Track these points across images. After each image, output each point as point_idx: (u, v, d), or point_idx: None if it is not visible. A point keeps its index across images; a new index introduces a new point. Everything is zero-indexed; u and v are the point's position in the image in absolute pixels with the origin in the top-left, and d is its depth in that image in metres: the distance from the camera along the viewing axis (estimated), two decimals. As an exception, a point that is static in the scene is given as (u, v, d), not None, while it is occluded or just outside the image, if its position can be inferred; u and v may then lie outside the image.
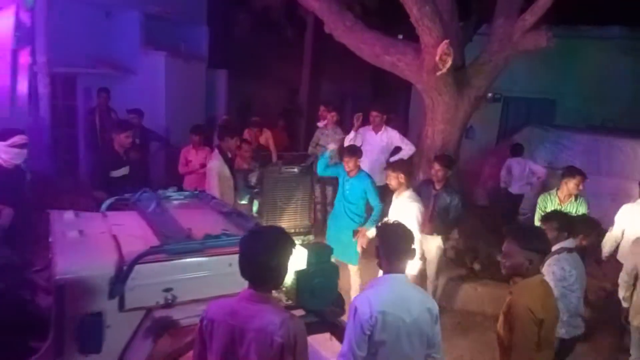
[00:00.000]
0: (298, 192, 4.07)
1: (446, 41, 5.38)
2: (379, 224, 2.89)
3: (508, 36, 5.96)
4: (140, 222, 3.18)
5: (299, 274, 2.74)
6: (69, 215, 3.21)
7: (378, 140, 6.57)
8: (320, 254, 2.84)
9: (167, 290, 2.60)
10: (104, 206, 3.58)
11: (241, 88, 11.22)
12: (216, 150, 5.38)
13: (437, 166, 5.37)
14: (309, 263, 2.74)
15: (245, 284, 2.20)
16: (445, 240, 5.63)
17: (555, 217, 4.04)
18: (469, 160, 8.95)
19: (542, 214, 4.97)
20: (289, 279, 2.91)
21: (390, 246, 2.66)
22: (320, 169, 5.48)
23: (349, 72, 10.90)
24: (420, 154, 6.63)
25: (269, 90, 11.90)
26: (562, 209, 5.24)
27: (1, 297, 2.74)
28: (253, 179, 4.04)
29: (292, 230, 3.97)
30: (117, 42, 8.55)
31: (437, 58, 5.42)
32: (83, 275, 2.43)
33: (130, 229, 3.02)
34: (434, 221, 5.35)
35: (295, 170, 4.13)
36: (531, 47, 5.86)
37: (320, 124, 7.42)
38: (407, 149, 6.48)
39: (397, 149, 6.74)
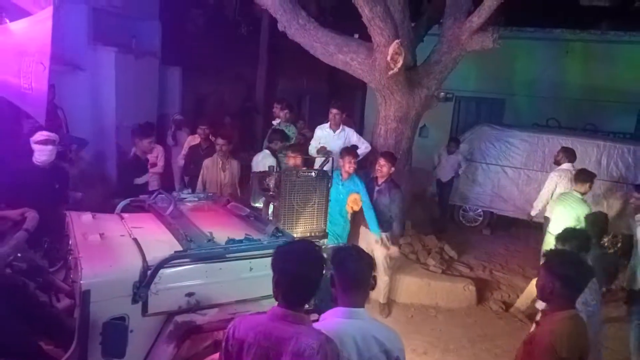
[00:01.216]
0: (314, 196, 4.04)
1: (397, 41, 5.47)
2: (335, 248, 2.61)
3: (456, 37, 6.12)
4: (159, 225, 3.18)
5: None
6: (87, 216, 3.19)
7: (336, 139, 6.59)
8: None
9: (190, 294, 2.60)
10: (119, 207, 3.56)
11: (195, 85, 11.03)
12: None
13: (382, 161, 5.58)
14: (329, 267, 2.70)
15: (265, 287, 2.17)
16: (392, 235, 5.74)
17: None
18: (423, 158, 9.16)
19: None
20: None
21: (349, 275, 2.26)
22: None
23: (306, 70, 10.90)
24: (374, 153, 6.73)
25: (224, 88, 11.75)
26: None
27: (29, 298, 2.67)
28: (270, 183, 4.00)
29: (308, 234, 3.98)
30: (64, 36, 8.26)
31: (388, 58, 5.50)
32: (107, 280, 2.44)
33: (150, 232, 3.02)
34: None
35: (313, 174, 4.12)
36: (478, 48, 6.04)
37: (274, 122, 7.40)
38: (364, 148, 6.57)
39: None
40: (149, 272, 2.48)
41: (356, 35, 6.92)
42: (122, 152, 7.86)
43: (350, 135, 6.65)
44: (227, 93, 11.89)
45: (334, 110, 6.52)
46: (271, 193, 4.02)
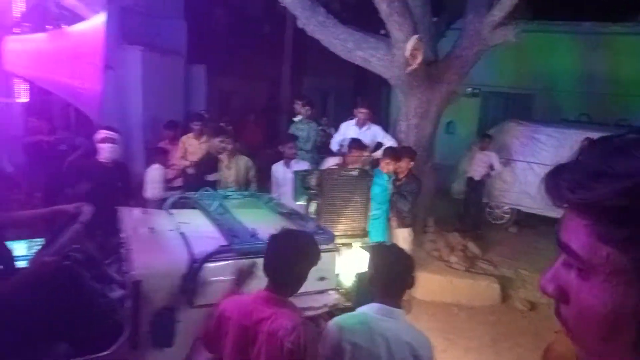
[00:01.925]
0: (356, 194, 4.09)
1: (416, 36, 5.42)
2: (375, 246, 2.68)
3: (478, 32, 6.02)
4: (205, 221, 3.29)
5: (362, 277, 2.73)
6: (137, 212, 3.36)
7: (362, 137, 6.48)
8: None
9: None
10: (167, 204, 3.70)
11: (220, 83, 11.17)
12: None
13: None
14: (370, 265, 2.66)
15: (305, 283, 2.22)
16: (413, 232, 5.70)
17: None
18: (449, 154, 9.05)
19: None
20: (348, 281, 2.93)
21: (386, 273, 2.26)
22: None
23: (331, 66, 10.89)
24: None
25: (248, 86, 11.87)
26: None
27: (81, 288, 2.80)
28: (312, 181, 4.08)
29: (350, 232, 4.01)
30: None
31: (407, 53, 5.46)
32: (157, 272, 2.53)
33: (197, 228, 3.13)
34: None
35: (354, 172, 4.18)
36: (500, 42, 5.93)
37: (295, 119, 7.43)
38: (390, 145, 6.50)
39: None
40: (195, 265, 2.57)
41: (382, 32, 6.89)
42: (149, 148, 8.03)
43: (376, 132, 6.61)
44: (251, 91, 12.01)
45: (363, 110, 6.50)
46: (313, 191, 4.06)
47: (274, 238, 2.25)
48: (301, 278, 2.19)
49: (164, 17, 9.91)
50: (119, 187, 4.90)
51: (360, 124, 6.55)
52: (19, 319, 2.38)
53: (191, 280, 2.55)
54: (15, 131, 5.24)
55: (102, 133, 4.68)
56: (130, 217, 3.27)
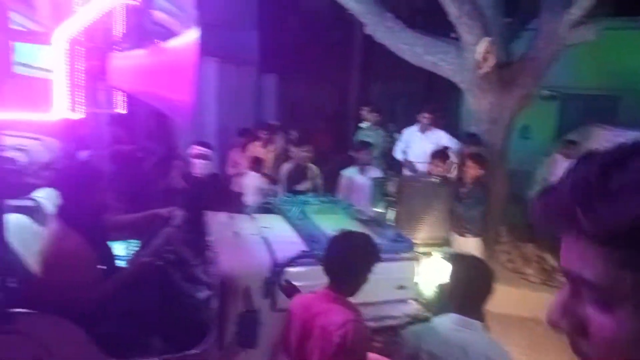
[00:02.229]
0: (435, 202, 4.06)
1: (488, 39, 5.25)
2: (455, 255, 2.65)
3: (554, 31, 5.72)
4: (285, 226, 3.40)
5: (443, 287, 2.75)
6: (223, 216, 3.50)
7: (423, 140, 6.43)
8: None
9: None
10: (251, 209, 3.84)
11: (291, 91, 11.38)
12: None
13: (469, 163, 5.37)
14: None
15: (384, 292, 2.34)
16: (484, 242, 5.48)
17: None
18: (524, 160, 8.64)
19: None
20: (430, 291, 2.96)
21: (466, 284, 2.23)
22: None
23: (399, 72, 10.78)
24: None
25: (318, 93, 12.00)
26: None
27: (172, 287, 3.01)
28: (391, 188, 4.13)
29: (429, 241, 3.99)
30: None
31: (478, 56, 5.29)
32: (242, 275, 2.64)
33: (278, 232, 3.26)
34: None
35: (434, 179, 4.16)
36: (578, 41, 5.60)
37: (362, 125, 7.43)
38: (457, 149, 6.32)
39: None
40: (277, 270, 2.64)
41: (453, 35, 6.74)
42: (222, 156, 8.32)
43: (440, 137, 6.46)
44: (320, 98, 12.13)
45: (426, 115, 6.45)
46: (391, 198, 4.04)
47: (333, 239, 2.33)
48: (359, 277, 2.23)
49: (238, 28, 10.27)
50: (211, 198, 5.07)
51: (423, 129, 6.41)
52: (119, 313, 2.58)
53: (273, 284, 2.61)
54: (104, 140, 5.64)
55: (196, 149, 4.92)
56: (216, 221, 3.41)
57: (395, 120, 10.63)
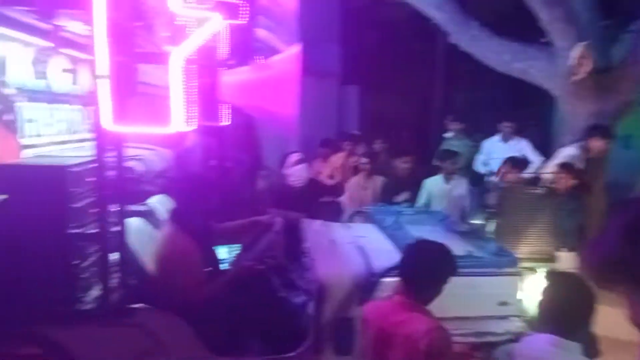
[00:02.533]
0: (540, 215, 3.92)
1: (584, 43, 5.02)
2: (550, 272, 2.56)
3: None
4: (380, 235, 3.44)
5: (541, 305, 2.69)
6: (318, 223, 3.59)
7: (506, 150, 6.20)
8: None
9: None
10: (345, 217, 3.95)
11: (372, 102, 11.44)
12: None
13: (560, 174, 5.08)
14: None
15: (486, 307, 2.34)
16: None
17: None
18: (625, 171, 8.07)
19: None
20: (533, 309, 2.82)
21: (563, 304, 2.11)
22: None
23: (484, 80, 10.53)
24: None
25: (400, 103, 11.97)
26: None
27: (271, 292, 3.18)
28: (492, 199, 4.09)
29: (534, 257, 3.86)
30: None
31: (572, 62, 5.07)
32: (340, 282, 2.69)
33: (373, 241, 3.28)
34: None
35: (539, 191, 4.06)
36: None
37: (446, 135, 7.33)
38: (537, 162, 6.07)
39: None
40: (374, 279, 2.66)
41: (543, 40, 6.51)
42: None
43: (524, 147, 6.23)
44: (403, 108, 12.08)
45: (507, 124, 6.34)
46: (492, 210, 3.95)
47: (410, 246, 2.36)
48: (435, 287, 2.23)
49: (320, 41, 10.51)
50: (309, 205, 5.14)
51: (506, 138, 6.23)
52: (222, 313, 2.75)
53: (369, 292, 2.63)
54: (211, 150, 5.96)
55: (293, 157, 5.09)
56: (312, 228, 3.48)
57: (481, 130, 10.35)
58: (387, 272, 2.66)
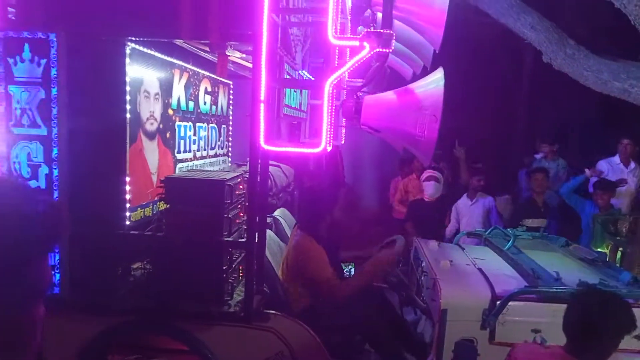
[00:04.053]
0: None
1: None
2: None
3: None
4: (498, 259, 3.43)
5: None
6: (433, 244, 3.64)
7: (629, 176, 5.66)
8: None
9: (536, 331, 2.65)
10: (457, 238, 4.03)
11: (452, 120, 11.37)
12: None
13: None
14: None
15: (628, 342, 2.13)
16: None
17: None
18: None
19: None
20: None
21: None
22: (565, 191, 5.33)
23: (573, 96, 10.21)
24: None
25: (482, 122, 11.83)
26: None
27: (392, 309, 3.32)
28: (622, 226, 3.94)
29: None
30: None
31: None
32: (461, 303, 2.74)
33: (492, 264, 3.25)
34: None
35: None
36: None
37: (537, 156, 7.18)
38: None
39: None
40: (497, 302, 2.65)
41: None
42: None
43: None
44: (488, 129, 11.92)
45: (625, 141, 5.81)
46: (621, 238, 3.83)
47: (579, 295, 2.08)
48: (607, 349, 1.95)
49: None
50: (438, 219, 5.23)
51: (624, 160, 5.72)
52: (345, 325, 2.90)
53: (493, 316, 2.62)
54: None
55: (428, 172, 5.12)
56: (428, 248, 3.54)
57: (570, 150, 10.03)
58: (514, 297, 2.63)
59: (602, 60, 5.90)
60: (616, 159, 5.83)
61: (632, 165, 5.75)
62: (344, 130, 3.34)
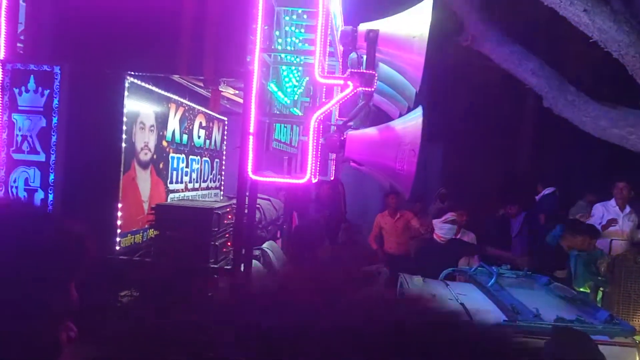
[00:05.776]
0: None
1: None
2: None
3: None
4: (481, 295, 3.49)
5: None
6: (418, 279, 3.72)
7: (624, 220, 5.69)
8: None
9: None
10: (442, 275, 4.06)
11: (456, 160, 11.50)
12: None
13: None
14: None
15: None
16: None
17: None
18: None
19: None
20: None
21: None
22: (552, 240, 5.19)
23: (576, 140, 10.30)
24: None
25: (485, 163, 11.92)
26: None
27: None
28: (601, 267, 4.01)
29: None
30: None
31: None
32: None
33: (474, 300, 3.32)
34: None
35: None
36: None
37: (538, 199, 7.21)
38: None
39: None
40: None
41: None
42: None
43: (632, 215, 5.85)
44: (488, 168, 12.01)
45: (621, 184, 5.81)
46: (601, 278, 3.88)
47: (555, 335, 2.14)
48: None
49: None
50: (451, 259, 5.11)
51: (620, 204, 5.73)
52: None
53: None
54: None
55: (449, 215, 5.02)
56: (413, 283, 3.62)
57: (572, 195, 10.04)
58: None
59: (601, 107, 6.00)
60: (612, 202, 5.84)
61: (628, 209, 5.74)
62: (333, 165, 3.44)
